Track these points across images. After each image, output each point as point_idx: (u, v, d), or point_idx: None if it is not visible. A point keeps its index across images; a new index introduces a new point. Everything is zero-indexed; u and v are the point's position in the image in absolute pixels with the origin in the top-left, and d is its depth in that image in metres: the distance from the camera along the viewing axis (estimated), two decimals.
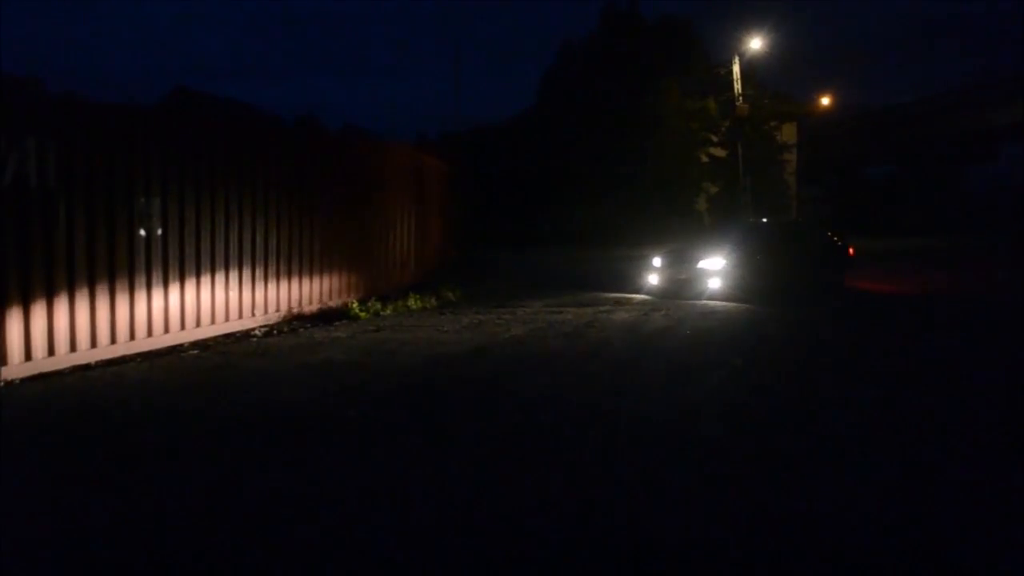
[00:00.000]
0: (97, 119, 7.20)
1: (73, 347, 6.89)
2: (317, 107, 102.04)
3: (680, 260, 13.15)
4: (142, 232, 7.50)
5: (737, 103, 31.97)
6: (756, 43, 31.38)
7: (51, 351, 6.72)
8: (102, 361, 7.08)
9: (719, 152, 33.69)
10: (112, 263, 7.19)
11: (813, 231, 16.13)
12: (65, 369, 6.75)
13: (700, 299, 11.97)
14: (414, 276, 12.87)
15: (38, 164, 6.56)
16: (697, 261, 12.61)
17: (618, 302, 11.91)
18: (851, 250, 14.10)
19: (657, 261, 13.46)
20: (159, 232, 7.67)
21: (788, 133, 37.48)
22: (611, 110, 32.16)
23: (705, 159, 33.40)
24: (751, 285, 12.23)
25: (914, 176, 46.09)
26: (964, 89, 42.73)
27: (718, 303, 11.64)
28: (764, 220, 19.15)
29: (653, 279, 13.25)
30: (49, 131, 6.66)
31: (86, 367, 6.89)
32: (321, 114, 71.74)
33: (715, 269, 12.32)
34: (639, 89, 31.89)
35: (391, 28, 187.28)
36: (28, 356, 6.54)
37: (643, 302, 11.94)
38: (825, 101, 37.22)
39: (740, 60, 31.76)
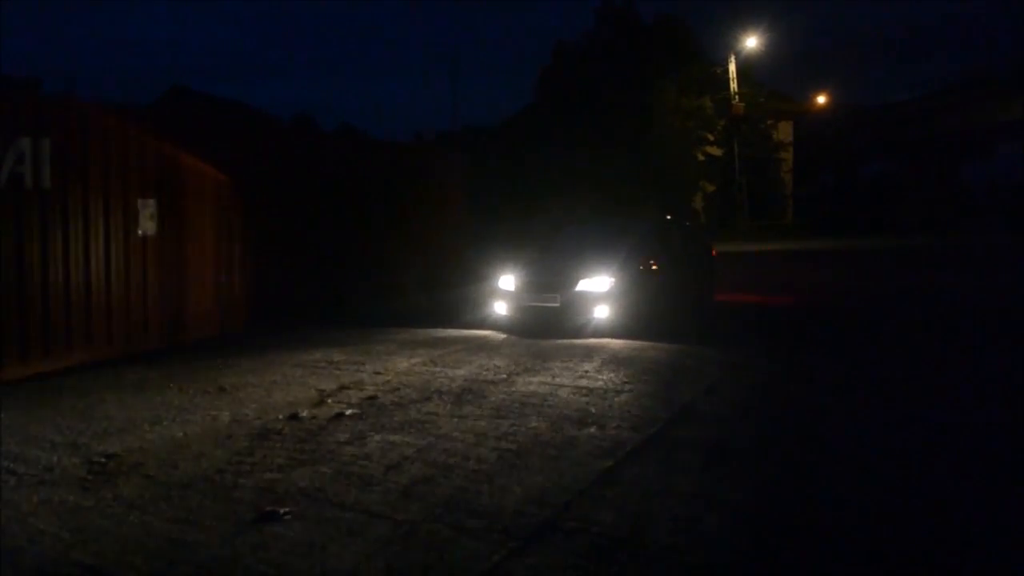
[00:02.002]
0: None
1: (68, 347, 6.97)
2: (315, 107, 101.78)
3: (546, 279, 9.18)
4: None
5: (733, 101, 32.08)
6: (752, 42, 31.54)
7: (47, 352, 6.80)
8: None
9: (715, 151, 33.77)
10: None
11: (690, 233, 12.71)
12: (59, 369, 6.81)
13: (580, 337, 8.56)
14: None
15: (33, 164, 6.61)
16: (576, 281, 8.89)
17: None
18: (714, 251, 12.30)
19: (508, 282, 9.34)
20: None
21: (784, 131, 37.66)
22: (607, 109, 32.20)
23: (701, 157, 33.48)
24: (644, 313, 9.00)
25: (910, 174, 46.18)
26: (961, 87, 42.76)
27: (613, 343, 8.21)
28: (650, 220, 13.40)
29: (502, 307, 9.33)
30: (45, 131, 6.71)
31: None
32: (318, 114, 71.63)
33: (601, 291, 8.76)
34: (635, 87, 31.94)
35: (390, 28, 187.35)
36: (23, 357, 6.61)
37: (481, 344, 8.24)
38: (821, 99, 37.37)
39: (736, 59, 31.91)
